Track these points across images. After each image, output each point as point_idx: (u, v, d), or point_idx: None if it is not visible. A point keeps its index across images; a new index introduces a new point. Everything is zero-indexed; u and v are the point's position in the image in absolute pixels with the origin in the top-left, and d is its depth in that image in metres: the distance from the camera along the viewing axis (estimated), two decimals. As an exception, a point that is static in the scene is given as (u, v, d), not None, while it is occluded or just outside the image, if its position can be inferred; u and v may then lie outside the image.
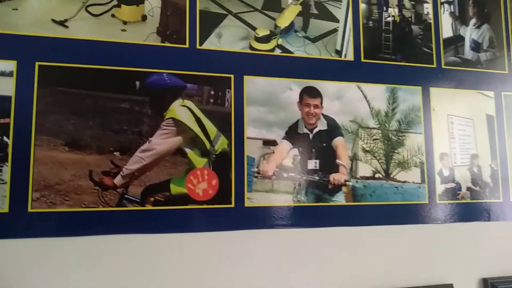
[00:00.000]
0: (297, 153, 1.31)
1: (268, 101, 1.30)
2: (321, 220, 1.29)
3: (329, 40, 1.38)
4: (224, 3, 1.29)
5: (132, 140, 1.17)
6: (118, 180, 1.14)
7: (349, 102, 1.37)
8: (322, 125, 1.34)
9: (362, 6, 1.43)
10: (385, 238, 1.36)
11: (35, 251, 1.08)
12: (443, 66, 1.50)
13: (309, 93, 1.34)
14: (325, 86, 1.35)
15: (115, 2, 1.20)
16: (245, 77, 1.28)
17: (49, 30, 1.15)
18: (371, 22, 1.44)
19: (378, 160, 1.38)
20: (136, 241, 1.14)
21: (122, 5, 1.21)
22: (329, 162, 1.33)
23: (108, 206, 1.13)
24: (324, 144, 1.33)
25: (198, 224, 1.19)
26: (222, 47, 1.27)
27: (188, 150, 1.20)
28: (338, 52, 1.39)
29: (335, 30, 1.39)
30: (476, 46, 1.56)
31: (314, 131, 1.33)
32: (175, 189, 1.18)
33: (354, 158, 1.36)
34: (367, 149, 1.38)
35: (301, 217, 1.27)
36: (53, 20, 1.15)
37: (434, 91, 1.47)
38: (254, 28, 1.31)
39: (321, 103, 1.35)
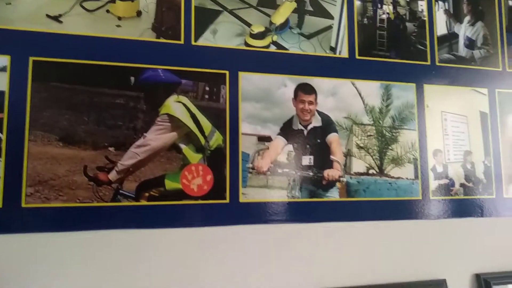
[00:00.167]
0: (291, 149, 1.31)
1: (263, 97, 1.30)
2: (315, 216, 1.30)
3: (323, 37, 1.38)
4: (219, 0, 1.29)
5: (126, 135, 1.17)
6: (112, 176, 1.14)
7: (343, 98, 1.38)
8: (316, 122, 1.34)
9: (357, 3, 1.43)
10: (379, 234, 1.36)
11: (29, 247, 1.08)
12: (437, 63, 1.51)
13: (304, 89, 1.34)
14: (320, 83, 1.36)
15: (110, -2, 1.20)
16: (240, 73, 1.28)
17: (43, 25, 1.14)
18: (365, 19, 1.44)
19: (372, 156, 1.39)
20: (130, 237, 1.14)
21: (117, 1, 1.20)
22: (323, 158, 1.33)
23: (102, 201, 1.13)
24: (319, 140, 1.34)
25: (193, 220, 1.20)
26: (217, 43, 1.27)
27: (183, 146, 1.21)
28: (333, 49, 1.39)
29: (330, 27, 1.39)
30: (470, 44, 1.57)
31: (309, 127, 1.34)
32: (169, 184, 1.18)
33: (348, 154, 1.36)
34: (361, 145, 1.38)
35: (295, 213, 1.28)
36: (48, 15, 1.15)
37: (428, 88, 1.48)
38: (249, 25, 1.31)
39: (316, 99, 1.35)
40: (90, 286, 1.10)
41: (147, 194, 1.17)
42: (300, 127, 1.33)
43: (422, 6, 1.52)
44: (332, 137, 1.35)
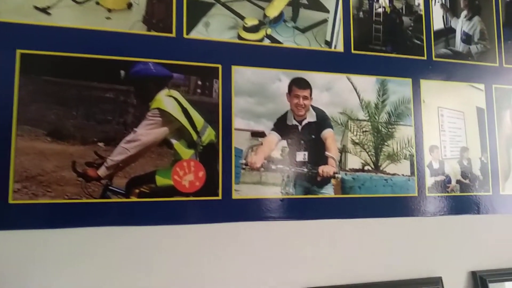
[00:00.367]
0: (285, 145, 1.29)
1: (257, 92, 1.28)
2: (310, 213, 1.28)
3: (319, 31, 1.36)
4: (212, -8, 1.27)
5: (116, 130, 1.14)
6: (102, 171, 1.12)
7: (338, 93, 1.36)
8: (311, 117, 1.32)
9: (353, -3, 1.41)
10: (374, 231, 1.34)
11: (16, 244, 1.05)
12: (433, 58, 1.48)
13: (298, 84, 1.32)
14: (315, 77, 1.34)
15: (99, -11, 1.17)
16: (233, 67, 1.26)
17: (31, 17, 1.12)
18: (361, 13, 1.42)
19: (367, 152, 1.37)
20: (120, 234, 1.12)
21: (107, -8, 1.18)
22: (318, 154, 1.31)
23: (91, 197, 1.10)
24: (313, 136, 1.32)
25: (185, 217, 1.17)
26: (209, 37, 1.25)
27: (174, 141, 1.18)
28: (328, 43, 1.37)
29: (325, 21, 1.37)
30: (467, 38, 1.55)
31: (303, 122, 1.31)
32: (160, 180, 1.16)
33: (343, 150, 1.34)
34: (357, 141, 1.36)
35: (289, 210, 1.26)
36: (35, 7, 1.12)
37: (424, 83, 1.46)
38: (242, 18, 1.29)
39: (311, 94, 1.33)
40: (78, 284, 1.08)
41: (137, 191, 1.14)
42: (295, 122, 1.31)
43: (419, 0, 1.49)
44: (327, 133, 1.33)
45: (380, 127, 1.39)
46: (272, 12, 1.32)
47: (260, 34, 1.30)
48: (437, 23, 1.51)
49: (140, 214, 1.14)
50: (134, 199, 1.14)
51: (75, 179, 1.10)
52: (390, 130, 1.40)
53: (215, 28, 1.25)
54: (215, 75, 1.23)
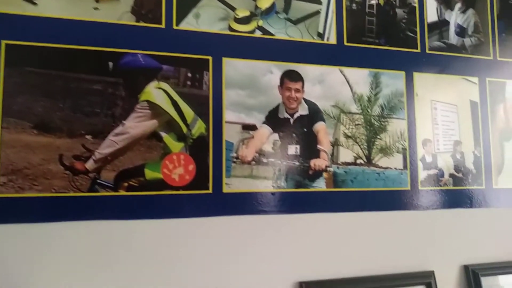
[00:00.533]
0: (277, 138, 1.27)
1: (248, 84, 1.26)
2: (301, 206, 1.27)
3: (311, 23, 1.34)
4: (202, -18, 1.25)
5: (104, 123, 1.12)
6: (89, 165, 1.10)
7: (331, 86, 1.34)
8: (303, 110, 1.31)
9: (346, -12, 1.39)
10: (366, 225, 1.34)
11: (2, 238, 1.03)
12: (427, 51, 1.47)
13: (290, 76, 1.30)
14: (307, 70, 1.32)
15: (87, -21, 1.15)
16: (224, 59, 1.24)
17: (16, 7, 1.09)
18: (354, 4, 1.40)
19: (360, 145, 1.36)
20: (108, 228, 1.10)
21: (95, -18, 1.15)
22: (310, 147, 1.30)
23: (79, 191, 1.09)
24: (305, 129, 1.30)
25: (174, 210, 1.16)
26: (200, 28, 1.22)
27: (163, 134, 1.16)
28: (321, 35, 1.35)
29: (317, 12, 1.35)
30: (461, 31, 1.53)
31: (295, 115, 1.30)
32: (150, 174, 1.14)
33: (335, 144, 1.33)
34: (349, 134, 1.35)
35: (280, 203, 1.25)
36: (21, -3, 1.10)
37: (417, 76, 1.45)
38: (233, 9, 1.27)
39: (303, 87, 1.31)
40: (64, 278, 1.06)
41: (126, 184, 1.13)
42: (286, 115, 1.29)
43: (413, -8, 1.48)
44: (319, 126, 1.32)
45: (372, 120, 1.38)
46: (264, 3, 1.30)
47: (252, 25, 1.28)
48: (431, 16, 1.49)
49: (129, 208, 1.12)
50: (122, 192, 1.12)
51: (62, 173, 1.08)
52: (382, 123, 1.39)
53: (205, 19, 1.23)
54: (205, 67, 1.22)
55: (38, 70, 1.09)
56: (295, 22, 1.32)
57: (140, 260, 1.12)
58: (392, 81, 1.41)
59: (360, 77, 1.37)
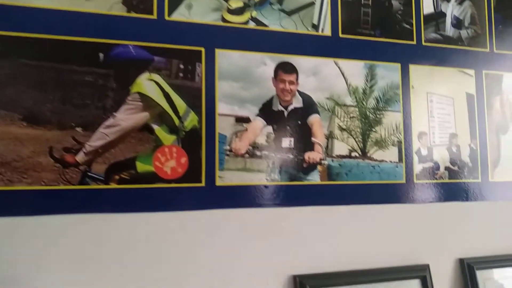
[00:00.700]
0: (271, 130, 1.26)
1: (241, 76, 1.24)
2: (295, 199, 1.25)
3: (305, 14, 1.32)
4: (195, -27, 1.23)
5: (95, 115, 1.11)
6: (80, 157, 1.08)
7: (325, 78, 1.33)
8: (297, 102, 1.29)
9: (341, -21, 1.37)
10: (361, 218, 1.33)
11: (-9, 231, 1.02)
12: (423, 43, 1.46)
13: (284, 68, 1.29)
14: (301, 62, 1.30)
15: (76, -32, 1.13)
16: (217, 51, 1.22)
17: (5, -3, 1.07)
18: (350, -5, 1.38)
19: (354, 138, 1.34)
20: (100, 221, 1.09)
21: (85, -28, 1.13)
22: (304, 140, 1.29)
23: (69, 184, 1.07)
24: (299, 122, 1.29)
25: (166, 204, 1.14)
26: (192, 19, 1.21)
27: (155, 127, 1.15)
28: (315, 27, 1.33)
29: (312, 3, 1.33)
30: (458, 23, 1.52)
31: (289, 108, 1.28)
32: (141, 167, 1.13)
33: (330, 136, 1.32)
34: (344, 127, 1.33)
35: (274, 197, 1.24)
36: (9, -14, 1.08)
37: (413, 68, 1.43)
38: (226, -1, 1.25)
39: (297, 79, 1.30)
40: (54, 273, 1.05)
41: (117, 177, 1.11)
42: (280, 108, 1.28)
43: (409, -17, 1.46)
44: (313, 119, 1.30)
45: (367, 113, 1.37)
46: (257, -6, 1.28)
47: (245, 16, 1.26)
48: (427, 7, 1.48)
49: (120, 201, 1.11)
50: (114, 185, 1.11)
51: (52, 165, 1.07)
52: (378, 116, 1.37)
53: (198, 10, 1.21)
54: (198, 59, 1.20)
55: (27, 61, 1.07)
56: (289, 13, 1.31)
57: (131, 253, 1.11)
58: (388, 73, 1.40)
59: (355, 69, 1.36)
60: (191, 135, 1.18)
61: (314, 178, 1.28)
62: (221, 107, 1.21)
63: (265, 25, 1.28)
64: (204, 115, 1.19)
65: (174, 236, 1.15)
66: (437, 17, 1.49)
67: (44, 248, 1.05)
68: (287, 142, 1.27)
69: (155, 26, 1.17)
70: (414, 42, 1.44)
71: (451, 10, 1.51)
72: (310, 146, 1.29)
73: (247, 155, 1.23)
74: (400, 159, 1.38)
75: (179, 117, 1.17)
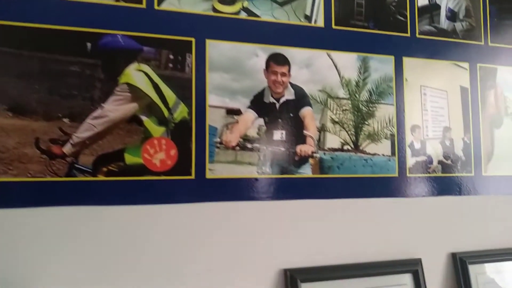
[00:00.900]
0: (262, 123, 1.24)
1: (232, 67, 1.22)
2: (287, 193, 1.24)
3: (298, 5, 1.30)
4: (185, -39, 1.20)
5: (82, 106, 1.09)
6: (67, 149, 1.06)
7: (318, 70, 1.31)
8: (289, 94, 1.28)
9: (335, -30, 1.35)
10: (353, 212, 1.31)
11: (-25, 224, 1.00)
12: (417, 35, 1.44)
13: (276, 60, 1.27)
14: (294, 53, 1.29)
15: (63, -45, 1.10)
16: (208, 41, 1.20)
17: (-11, -15, 1.04)
18: (343, -14, 1.36)
19: (347, 131, 1.33)
20: (87, 214, 1.07)
21: (72, -41, 1.11)
22: (296, 133, 1.27)
23: (56, 176, 1.05)
24: (291, 114, 1.27)
25: (155, 196, 1.13)
26: (182, 8, 1.18)
27: (144, 118, 1.13)
28: (308, 18, 1.31)
29: (305, -6, 1.31)
30: (452, 16, 1.50)
31: (281, 100, 1.27)
32: (130, 159, 1.11)
33: (322, 129, 1.30)
34: (336, 120, 1.32)
35: (265, 190, 1.22)
36: (-6, -27, 1.05)
37: (407, 61, 1.42)
38: (217, -11, 1.23)
39: (289, 71, 1.28)
40: (40, 266, 1.03)
41: (105, 169, 1.09)
42: (272, 100, 1.26)
43: (403, -26, 1.44)
44: (305, 111, 1.29)
45: (360, 105, 1.35)
46: (249, -17, 1.26)
47: (236, 6, 1.24)
48: (422, -1, 1.46)
49: (108, 193, 1.09)
50: (101, 178, 1.09)
51: (39, 157, 1.05)
52: (371, 109, 1.36)
53: (188, -1, 1.19)
54: (188, 49, 1.18)
55: (13, 50, 1.05)
56: (282, 3, 1.29)
57: (120, 246, 1.09)
58: (381, 65, 1.38)
59: (348, 61, 1.34)
60: (181, 127, 1.16)
61: (306, 171, 1.27)
62: (211, 99, 1.19)
63: (257, 16, 1.26)
64: (194, 107, 1.17)
65: (163, 229, 1.13)
66: (432, 9, 1.47)
67: (30, 241, 1.03)
68: (279, 134, 1.25)
69: (144, 15, 1.15)
70: (408, 35, 1.43)
71: (445, 3, 1.49)
72: (302, 139, 1.27)
73: (238, 148, 1.21)
74: (393, 153, 1.37)
75: (168, 109, 1.15)
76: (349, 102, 1.34)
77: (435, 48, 1.46)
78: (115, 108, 1.10)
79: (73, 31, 1.09)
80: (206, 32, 1.20)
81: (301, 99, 1.29)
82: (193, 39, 1.18)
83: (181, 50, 1.17)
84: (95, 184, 1.08)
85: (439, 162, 1.43)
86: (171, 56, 1.16)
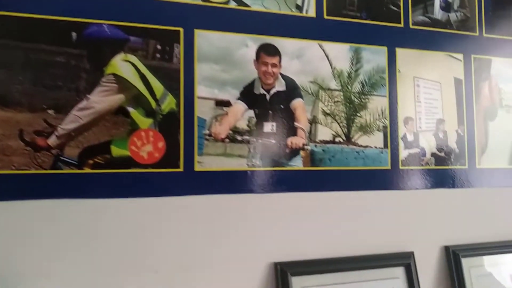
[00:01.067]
0: (252, 115, 1.22)
1: (222, 58, 1.20)
2: (277, 185, 1.22)
3: (289, -6, 1.28)
4: (173, -51, 1.18)
5: (68, 97, 1.06)
6: (52, 141, 1.04)
7: (309, 61, 1.29)
8: (280, 86, 1.25)
9: (327, -41, 1.33)
10: (345, 205, 1.30)
11: (-42, 217, 0.98)
12: (410, 26, 1.42)
13: (267, 50, 1.25)
14: (284, 44, 1.26)
15: None
16: (196, 31, 1.18)
17: (-30, -28, 1.02)
18: (335, -24, 1.34)
19: (339, 123, 1.31)
20: (73, 207, 1.05)
21: None
22: (287, 125, 1.25)
23: (41, 168, 1.03)
24: (282, 106, 1.25)
25: (143, 189, 1.11)
26: (170, -2, 1.16)
27: (131, 109, 1.11)
28: (299, 8, 1.29)
29: (296, -17, 1.29)
30: (447, 6, 1.48)
31: (272, 91, 1.25)
32: (116, 151, 1.09)
33: (313, 121, 1.28)
34: (328, 111, 1.30)
35: (255, 182, 1.20)
36: (-25, -39, 1.03)
37: (400, 52, 1.39)
38: (206, -22, 1.20)
39: (280, 62, 1.26)
40: (25, 260, 1.01)
41: (91, 162, 1.07)
42: (262, 91, 1.24)
43: (397, -36, 1.42)
44: (296, 103, 1.27)
45: (352, 97, 1.33)
46: (239, -28, 1.23)
47: (226, -4, 1.22)
48: (416, -11, 1.44)
49: (94, 186, 1.07)
50: (87, 170, 1.07)
51: (23, 149, 1.03)
52: (363, 100, 1.34)
53: (176, -12, 1.17)
54: (176, 39, 1.15)
55: (-6, 40, 1.03)
56: (272, -7, 1.26)
57: (106, 240, 1.07)
58: (374, 56, 1.36)
59: (340, 52, 1.32)
60: (169, 119, 1.14)
61: (297, 164, 1.25)
62: (200, 90, 1.17)
63: (247, 5, 1.23)
64: (183, 98, 1.15)
65: (151, 222, 1.11)
66: (426, -1, 1.45)
67: (14, 234, 1.01)
68: (269, 126, 1.23)
69: (130, 4, 1.12)
70: (402, 25, 1.41)
71: (440, -8, 1.47)
72: (293, 131, 1.25)
73: (227, 140, 1.19)
74: (386, 145, 1.35)
75: (156, 100, 1.13)
76: (341, 93, 1.32)
77: (428, 39, 1.43)
78: (101, 99, 1.08)
79: (57, 21, 1.07)
80: (195, 21, 1.18)
81: (292, 90, 1.27)
82: (181, 29, 1.16)
83: (169, 40, 1.15)
84: (80, 177, 1.06)
85: (433, 154, 1.42)
86: (159, 47, 1.14)
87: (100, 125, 1.08)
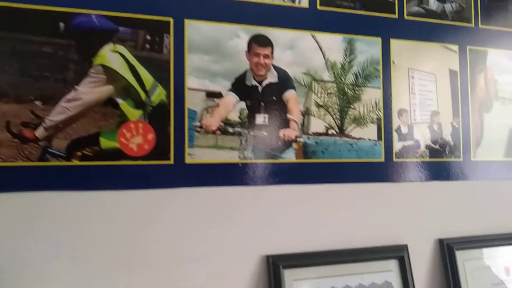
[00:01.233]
0: (244, 106, 1.21)
1: (213, 49, 1.18)
2: (269, 178, 1.21)
3: (282, -16, 1.26)
4: None
5: (55, 88, 1.05)
6: (39, 132, 1.03)
7: (302, 52, 1.27)
8: (272, 77, 1.24)
9: None
10: (338, 197, 1.29)
11: None
12: (405, 17, 1.40)
13: (259, 41, 1.23)
14: (277, 35, 1.25)
15: None
16: (186, 21, 1.16)
17: (-45, -39, 1.00)
18: (329, -35, 1.32)
19: (332, 115, 1.30)
20: (61, 199, 1.04)
21: None
22: (279, 116, 1.24)
23: (28, 160, 1.02)
24: (274, 98, 1.24)
25: (133, 181, 1.10)
26: (160, -13, 1.14)
27: (120, 101, 1.09)
28: (292, -2, 1.27)
29: (289, -27, 1.27)
30: (442, -4, 1.46)
31: (264, 83, 1.23)
32: (105, 143, 1.08)
33: (306, 113, 1.27)
34: (321, 103, 1.29)
35: (247, 175, 1.19)
36: (-40, -51, 1.01)
37: (394, 43, 1.38)
38: (197, -33, 1.18)
39: (272, 53, 1.24)
40: (12, 252, 1.00)
41: (79, 154, 1.06)
42: (254, 83, 1.22)
43: (392, -47, 1.40)
44: (289, 94, 1.25)
45: (346, 89, 1.32)
46: (230, -39, 1.21)
47: (217, -15, 1.20)
48: (410, -21, 1.42)
49: (83, 178, 1.06)
50: (76, 162, 1.05)
51: (10, 141, 1.01)
52: (356, 92, 1.33)
53: (166, -23, 1.15)
54: (166, 30, 1.14)
55: (-19, 30, 1.01)
56: (264, -17, 1.24)
57: (96, 233, 1.06)
58: (368, 47, 1.34)
59: (333, 43, 1.30)
60: (159, 110, 1.12)
61: (289, 156, 1.24)
62: (190, 81, 1.16)
63: (238, -5, 1.22)
64: (173, 90, 1.14)
65: (141, 215, 1.10)
66: (421, -11, 1.43)
67: (2, 227, 1.00)
68: (261, 118, 1.22)
69: (119, -6, 1.10)
70: (396, 16, 1.39)
71: (435, -17, 1.45)
72: (286, 123, 1.24)
73: (218, 132, 1.18)
74: (379, 137, 1.34)
75: (145, 91, 1.11)
76: (334, 85, 1.30)
77: (423, 30, 1.42)
78: (90, 90, 1.07)
79: (45, 11, 1.05)
80: (185, 11, 1.16)
81: (285, 82, 1.25)
82: (171, 19, 1.14)
83: (159, 31, 1.13)
84: (69, 169, 1.05)
85: (427, 146, 1.41)
86: (148, 37, 1.12)
87: (89, 116, 1.07)
